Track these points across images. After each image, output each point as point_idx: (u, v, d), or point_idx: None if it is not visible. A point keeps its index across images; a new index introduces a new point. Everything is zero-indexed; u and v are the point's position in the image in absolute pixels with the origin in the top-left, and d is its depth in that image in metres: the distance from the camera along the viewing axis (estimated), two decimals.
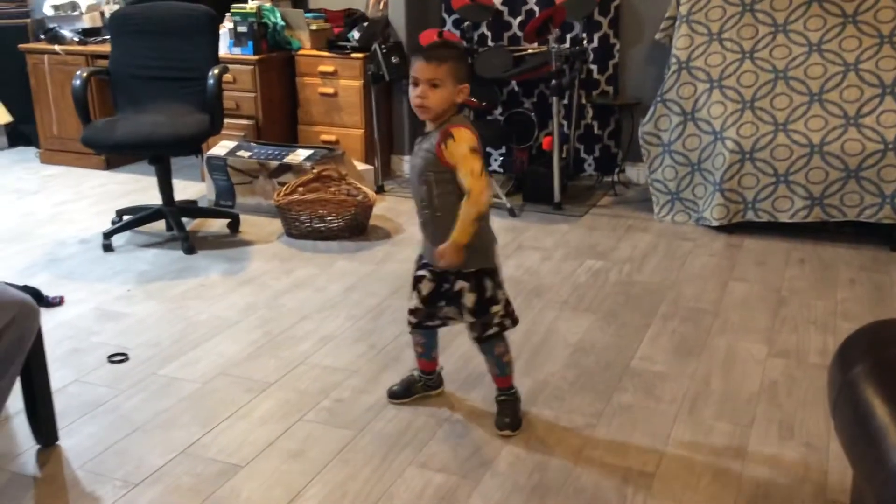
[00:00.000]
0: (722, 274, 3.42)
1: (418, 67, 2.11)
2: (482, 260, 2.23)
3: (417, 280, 2.32)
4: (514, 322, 2.32)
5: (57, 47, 4.94)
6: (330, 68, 4.60)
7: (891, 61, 3.71)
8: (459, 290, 2.23)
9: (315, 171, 4.03)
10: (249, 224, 4.07)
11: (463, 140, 2.09)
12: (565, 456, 2.21)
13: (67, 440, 2.30)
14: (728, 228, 3.89)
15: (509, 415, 2.34)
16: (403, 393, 2.48)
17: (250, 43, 4.54)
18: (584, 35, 4.48)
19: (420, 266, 2.32)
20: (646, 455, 2.21)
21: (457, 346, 2.79)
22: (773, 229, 3.87)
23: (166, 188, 3.83)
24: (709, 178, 3.92)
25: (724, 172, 3.79)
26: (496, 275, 2.26)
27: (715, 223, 3.88)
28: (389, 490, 2.08)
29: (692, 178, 4.00)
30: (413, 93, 2.13)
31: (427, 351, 2.45)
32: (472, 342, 2.35)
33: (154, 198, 3.97)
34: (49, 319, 3.04)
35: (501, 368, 2.35)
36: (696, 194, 4.01)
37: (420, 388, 2.49)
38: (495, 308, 2.26)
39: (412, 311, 2.36)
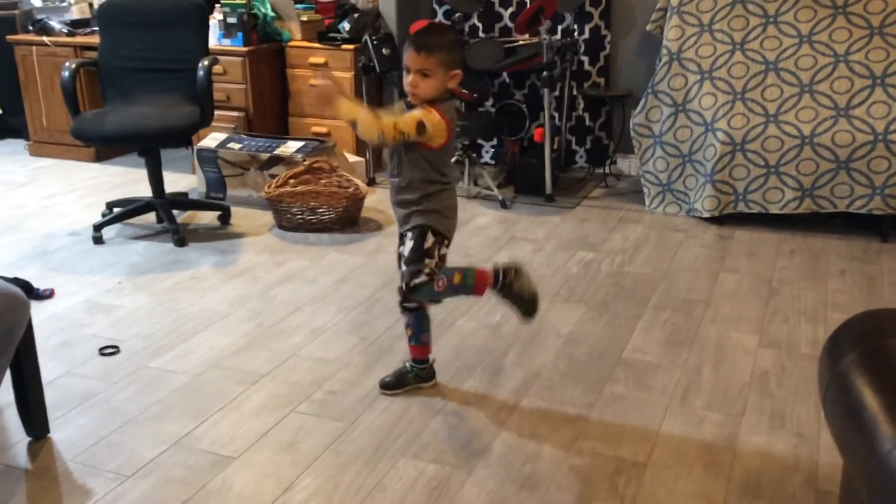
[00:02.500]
0: (713, 265, 3.43)
1: (409, 56, 2.14)
2: (434, 220, 2.26)
3: (399, 257, 2.37)
4: (435, 276, 2.30)
5: (46, 39, 4.90)
6: (321, 60, 4.58)
7: (881, 52, 3.72)
8: (406, 241, 2.29)
9: (306, 163, 4.02)
10: (240, 216, 4.06)
11: (427, 116, 2.14)
12: (557, 446, 2.22)
13: (59, 433, 2.29)
14: (719, 220, 3.90)
15: (517, 306, 2.39)
16: (395, 384, 2.49)
17: (240, 34, 4.52)
18: (576, 26, 4.48)
19: (400, 244, 2.36)
20: (637, 445, 2.22)
21: (449, 337, 2.79)
22: (764, 221, 3.88)
23: (156, 180, 3.81)
24: (700, 169, 3.93)
25: (715, 164, 3.80)
26: (441, 240, 2.28)
27: (706, 214, 3.89)
28: (382, 481, 2.08)
29: (683, 170, 4.01)
30: (405, 80, 2.18)
31: (416, 334, 2.45)
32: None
33: (144, 190, 3.96)
34: (39, 312, 3.02)
35: (464, 290, 2.35)
36: (687, 186, 4.02)
37: (412, 379, 2.49)
38: (427, 261, 2.27)
39: (399, 289, 2.39)
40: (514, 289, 2.39)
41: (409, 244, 2.28)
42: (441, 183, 2.27)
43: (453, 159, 4.33)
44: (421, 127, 2.13)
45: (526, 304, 2.41)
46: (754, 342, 2.78)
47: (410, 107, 2.24)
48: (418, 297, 2.33)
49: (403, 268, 2.31)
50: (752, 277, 3.30)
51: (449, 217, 2.31)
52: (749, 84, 3.83)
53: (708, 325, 2.90)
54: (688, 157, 3.98)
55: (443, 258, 2.32)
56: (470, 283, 2.35)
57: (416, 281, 2.28)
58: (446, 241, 2.31)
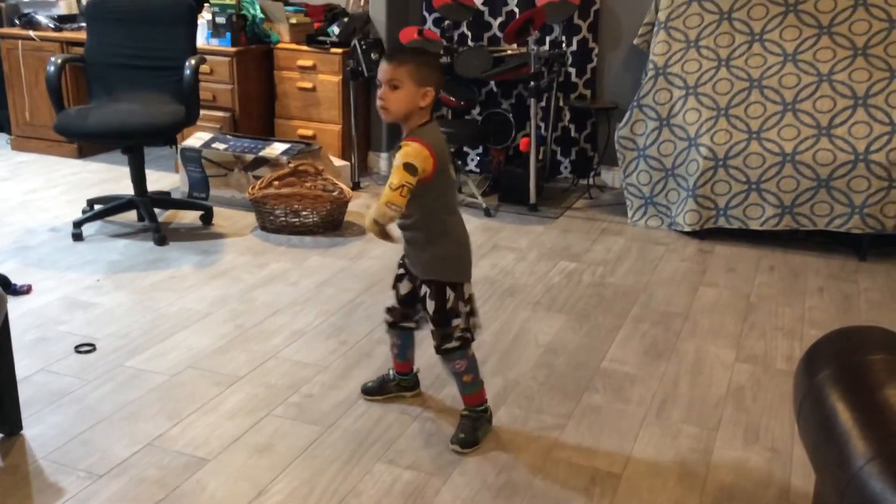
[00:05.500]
0: (693, 279, 3.45)
1: (381, 69, 2.09)
2: (449, 272, 2.21)
3: (398, 279, 2.33)
4: (471, 339, 2.27)
5: (32, 33, 4.87)
6: (309, 63, 4.58)
7: (864, 73, 3.76)
8: (425, 295, 2.24)
9: (291, 165, 4.01)
10: (223, 217, 4.04)
11: (406, 153, 2.05)
12: (534, 455, 2.22)
13: (31, 429, 2.27)
14: (700, 234, 3.92)
15: (465, 431, 2.28)
16: (377, 390, 2.48)
17: (228, 34, 4.51)
18: (564, 38, 4.50)
19: (400, 265, 2.32)
20: (613, 456, 2.23)
21: (429, 343, 2.78)
22: (744, 236, 3.91)
23: (139, 178, 3.79)
24: (682, 183, 3.95)
25: (698, 178, 3.82)
26: (461, 288, 2.22)
27: (687, 228, 3.91)
28: (357, 486, 2.07)
29: (666, 184, 4.03)
30: (377, 94, 2.11)
31: (402, 352, 2.44)
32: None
33: (126, 188, 3.93)
34: (16, 308, 3.00)
35: (461, 386, 2.31)
36: (669, 199, 4.04)
37: (394, 387, 2.48)
38: (456, 321, 2.22)
39: (389, 310, 2.37)
40: (475, 424, 2.29)
41: (429, 301, 2.23)
42: (446, 215, 2.19)
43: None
44: (411, 168, 2.03)
45: (465, 437, 2.26)
46: (731, 356, 2.80)
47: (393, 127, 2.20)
48: (448, 359, 2.28)
49: (432, 326, 2.25)
50: (731, 292, 3.33)
51: (462, 255, 2.24)
52: (733, 100, 3.87)
53: (686, 339, 2.92)
54: (671, 171, 4.00)
55: (470, 299, 2.25)
56: (469, 391, 2.30)
57: (447, 346, 2.24)
58: (466, 283, 2.24)
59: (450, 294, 2.21)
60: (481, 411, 2.33)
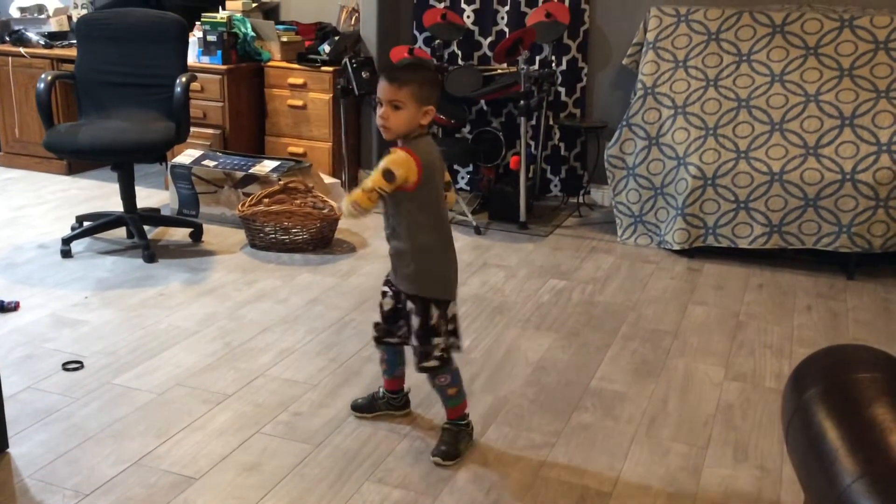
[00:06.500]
0: (682, 297, 3.46)
1: (381, 88, 2.10)
2: (434, 288, 2.21)
3: (383, 295, 2.33)
4: (448, 359, 2.26)
5: (22, 49, 4.87)
6: (299, 81, 4.59)
7: (850, 94, 3.80)
8: (409, 311, 2.24)
9: (281, 182, 4.01)
10: (212, 234, 4.04)
11: (391, 160, 2.08)
12: (523, 474, 2.22)
13: (18, 448, 2.25)
14: (689, 252, 3.94)
15: (445, 443, 2.28)
16: (366, 407, 2.47)
17: (219, 52, 4.52)
18: (553, 58, 4.53)
19: (386, 281, 2.32)
20: (603, 475, 2.23)
21: None
22: (733, 255, 3.93)
23: (128, 195, 3.78)
24: (671, 202, 3.97)
25: (687, 197, 3.85)
26: (445, 307, 2.23)
27: (676, 247, 3.93)
28: None
29: (655, 202, 4.05)
30: (377, 112, 2.13)
31: (390, 368, 2.44)
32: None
33: (116, 205, 3.93)
34: (3, 324, 2.98)
35: (445, 399, 2.32)
36: (658, 218, 4.06)
37: (382, 405, 2.47)
38: (437, 340, 2.22)
39: (375, 325, 2.37)
40: (457, 437, 2.30)
41: (413, 317, 2.23)
42: (432, 230, 2.19)
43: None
44: (389, 174, 2.05)
45: (447, 450, 2.26)
46: (720, 374, 2.80)
47: (385, 143, 2.21)
48: (431, 376, 2.29)
49: (414, 341, 2.24)
50: (719, 310, 3.34)
51: (447, 272, 2.23)
52: (721, 120, 3.90)
53: (675, 357, 2.92)
54: (660, 190, 4.02)
55: (453, 318, 2.25)
56: (452, 403, 2.31)
57: (426, 364, 2.25)
58: (452, 302, 2.25)
59: (433, 311, 2.21)
60: (463, 424, 2.33)
